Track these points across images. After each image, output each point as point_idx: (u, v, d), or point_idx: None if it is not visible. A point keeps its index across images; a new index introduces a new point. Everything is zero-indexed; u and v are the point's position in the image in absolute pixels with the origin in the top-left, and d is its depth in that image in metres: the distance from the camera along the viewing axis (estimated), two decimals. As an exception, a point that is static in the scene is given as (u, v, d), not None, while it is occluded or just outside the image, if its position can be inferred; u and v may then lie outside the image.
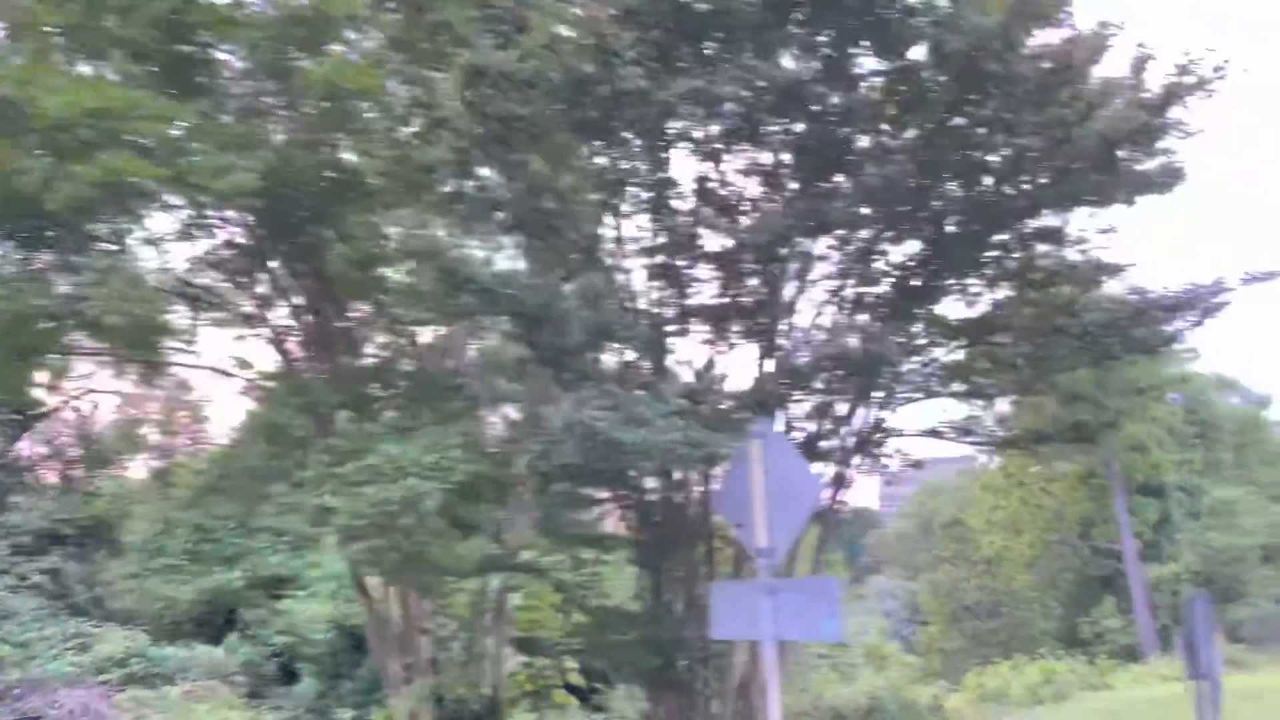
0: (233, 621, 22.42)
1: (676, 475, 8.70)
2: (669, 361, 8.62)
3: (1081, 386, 38.49)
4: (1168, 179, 8.82)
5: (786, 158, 9.99)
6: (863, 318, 10.85)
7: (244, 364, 11.16)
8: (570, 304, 7.87)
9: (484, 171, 8.68)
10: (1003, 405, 10.95)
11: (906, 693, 19.94)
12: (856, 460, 10.94)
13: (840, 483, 11.21)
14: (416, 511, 7.05)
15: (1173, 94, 8.33)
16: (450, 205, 8.69)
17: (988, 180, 9.20)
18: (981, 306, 10.75)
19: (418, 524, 7.15)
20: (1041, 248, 10.20)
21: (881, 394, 10.21)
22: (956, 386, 10.51)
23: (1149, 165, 8.67)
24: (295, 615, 20.64)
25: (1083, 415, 10.58)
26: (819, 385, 7.76)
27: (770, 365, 8.94)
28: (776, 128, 9.59)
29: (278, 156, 8.23)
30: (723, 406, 7.94)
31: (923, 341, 10.28)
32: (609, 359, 9.04)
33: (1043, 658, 30.41)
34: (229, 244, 9.86)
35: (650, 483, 8.64)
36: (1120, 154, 8.42)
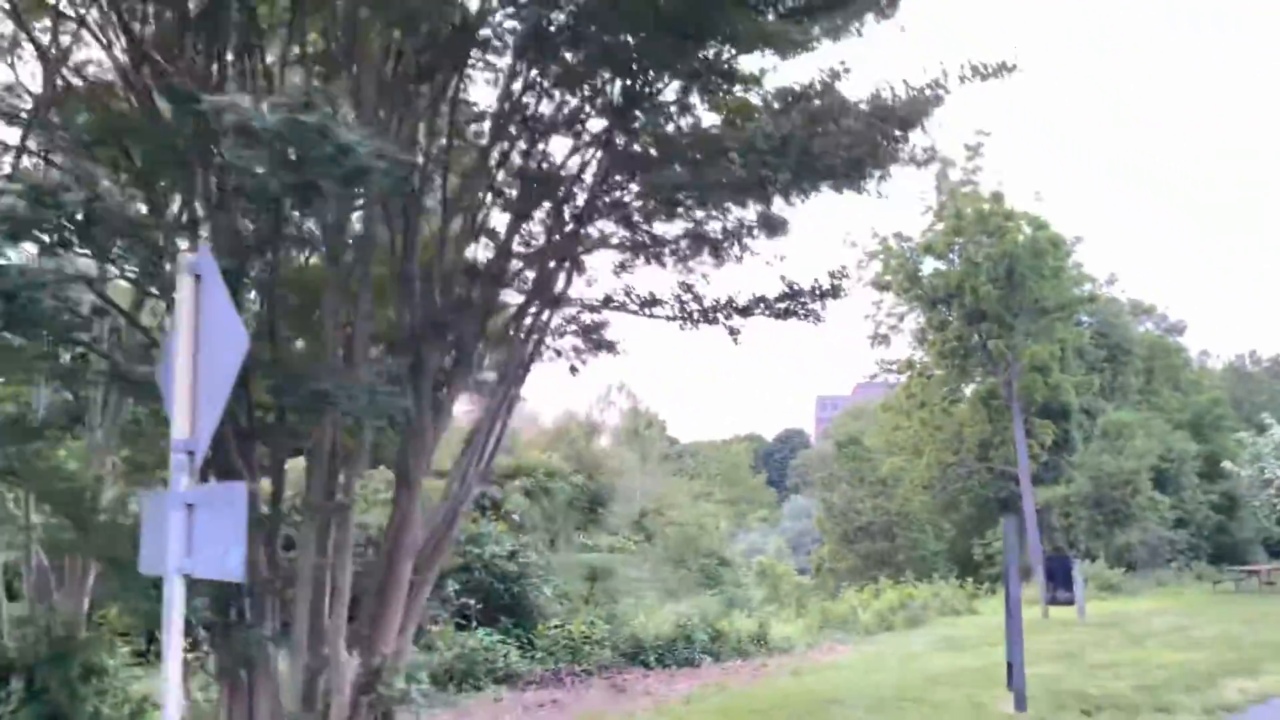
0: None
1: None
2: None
3: (987, 303, 36.34)
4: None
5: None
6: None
7: None
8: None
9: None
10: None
11: (721, 621, 17.97)
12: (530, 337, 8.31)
13: (514, 369, 8.64)
14: None
15: None
16: None
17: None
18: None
19: None
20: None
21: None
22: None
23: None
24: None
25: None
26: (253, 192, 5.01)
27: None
28: None
29: None
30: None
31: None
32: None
33: (907, 582, 29.07)
34: None
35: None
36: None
